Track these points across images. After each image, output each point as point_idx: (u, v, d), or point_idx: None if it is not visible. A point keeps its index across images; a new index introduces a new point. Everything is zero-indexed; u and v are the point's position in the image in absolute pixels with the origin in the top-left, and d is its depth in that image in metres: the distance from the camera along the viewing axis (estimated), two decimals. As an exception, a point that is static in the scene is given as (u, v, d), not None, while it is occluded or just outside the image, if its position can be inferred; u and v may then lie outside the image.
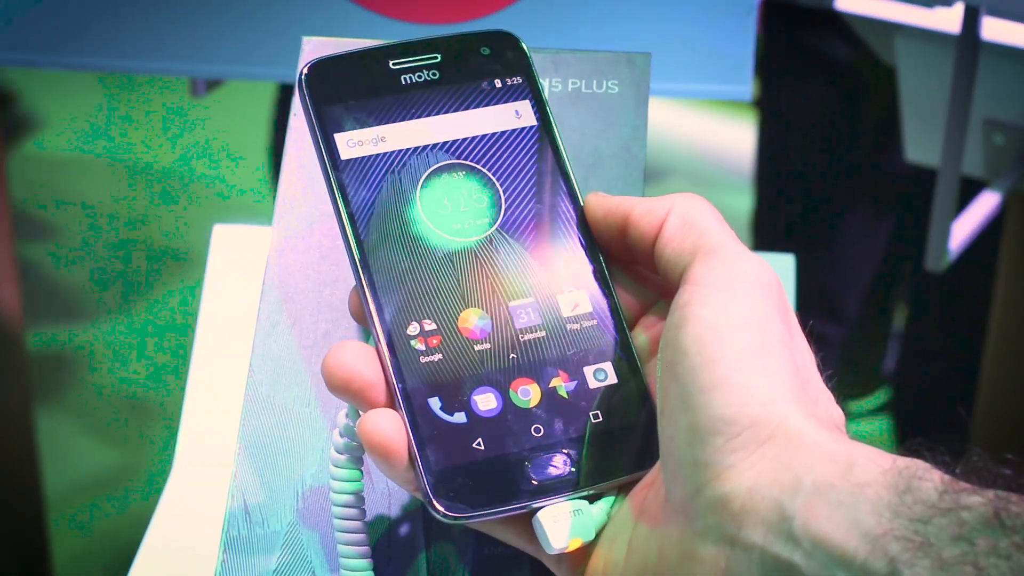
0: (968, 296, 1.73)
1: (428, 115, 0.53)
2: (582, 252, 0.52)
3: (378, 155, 0.52)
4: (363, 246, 0.50)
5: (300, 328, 0.59)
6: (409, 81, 0.53)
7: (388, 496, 0.56)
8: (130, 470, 1.97)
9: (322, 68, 0.53)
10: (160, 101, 2.77)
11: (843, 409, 0.48)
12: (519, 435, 0.49)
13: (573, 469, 0.49)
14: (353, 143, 0.52)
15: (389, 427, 0.47)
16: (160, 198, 2.55)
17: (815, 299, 1.91)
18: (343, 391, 0.49)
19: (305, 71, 0.52)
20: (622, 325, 0.51)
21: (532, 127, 0.54)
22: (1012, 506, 0.39)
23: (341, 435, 0.51)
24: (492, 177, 0.52)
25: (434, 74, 0.53)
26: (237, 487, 0.56)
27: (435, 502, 0.47)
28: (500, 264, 0.51)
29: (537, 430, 0.49)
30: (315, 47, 0.64)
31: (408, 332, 0.49)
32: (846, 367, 1.97)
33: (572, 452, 0.49)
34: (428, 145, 0.52)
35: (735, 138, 2.63)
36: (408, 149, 0.52)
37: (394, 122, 0.52)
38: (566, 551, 0.47)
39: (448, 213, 0.52)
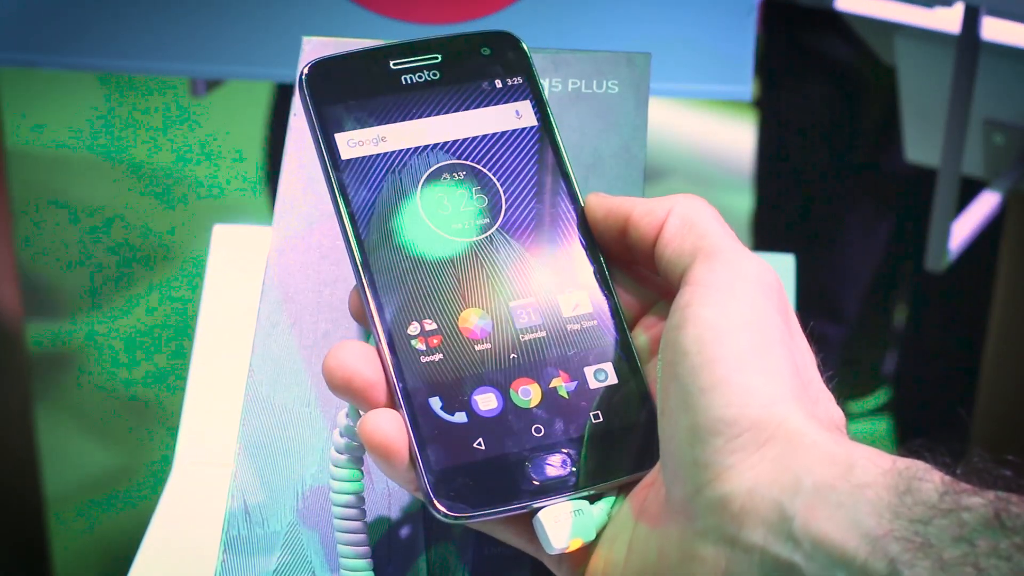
0: (968, 296, 1.73)
1: (428, 115, 0.53)
2: (582, 252, 0.52)
3: (378, 155, 0.52)
4: (363, 246, 0.50)
5: (300, 328, 0.59)
6: (409, 81, 0.53)
7: (388, 496, 0.56)
8: (130, 470, 1.97)
9: (322, 68, 0.53)
10: (160, 101, 2.77)
11: (843, 409, 0.48)
12: (520, 435, 0.49)
13: (573, 469, 0.49)
14: (353, 143, 0.52)
15: (390, 427, 0.48)
16: (160, 198, 2.55)
17: (815, 299, 1.91)
18: (344, 391, 0.49)
19: (305, 71, 0.52)
20: (622, 325, 0.51)
21: (532, 127, 0.54)
22: (1012, 507, 0.39)
23: (341, 435, 0.51)
24: (492, 177, 0.53)
25: (435, 74, 0.53)
26: (237, 487, 0.56)
27: (436, 502, 0.47)
28: (500, 264, 0.51)
29: (538, 430, 0.49)
30: (315, 47, 0.64)
31: (409, 332, 0.49)
32: (846, 367, 1.97)
33: (572, 452, 0.49)
34: (428, 145, 0.52)
35: (735, 138, 2.63)
36: (408, 149, 0.52)
37: (394, 122, 0.52)
38: (566, 551, 0.47)
39: (448, 213, 0.52)
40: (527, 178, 0.53)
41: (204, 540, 0.67)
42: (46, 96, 2.74)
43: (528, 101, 0.54)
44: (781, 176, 1.98)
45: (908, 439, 1.84)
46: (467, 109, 0.53)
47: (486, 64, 0.54)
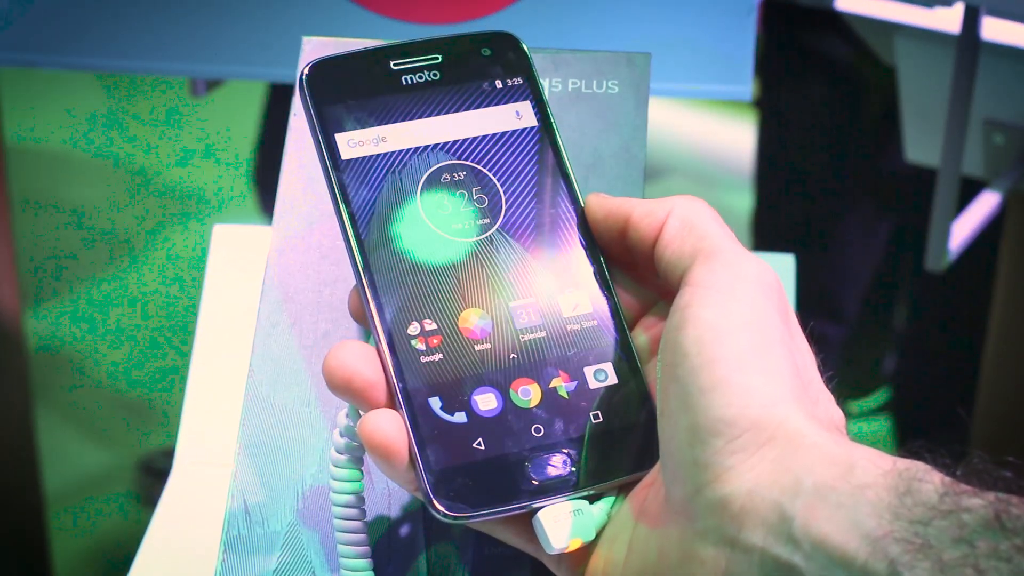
0: (968, 296, 1.73)
1: (429, 115, 0.53)
2: (582, 253, 0.52)
3: (379, 155, 0.52)
4: (364, 246, 0.50)
5: (300, 328, 0.59)
6: (410, 81, 0.53)
7: (388, 496, 0.56)
8: (130, 470, 1.97)
9: (323, 68, 0.53)
10: (160, 101, 2.77)
11: (843, 409, 0.48)
12: (519, 435, 0.49)
13: (573, 469, 0.49)
14: (354, 143, 0.52)
15: (390, 427, 0.47)
16: (160, 198, 2.55)
17: (815, 299, 1.91)
18: (344, 391, 0.49)
19: (306, 71, 0.52)
20: (622, 326, 0.51)
21: (533, 128, 0.54)
22: (1012, 508, 0.39)
23: (341, 435, 0.51)
24: (492, 178, 0.53)
25: (435, 75, 0.53)
26: (237, 487, 0.56)
27: (435, 502, 0.47)
28: (501, 264, 0.51)
29: (537, 430, 0.49)
30: (315, 47, 0.64)
31: (409, 332, 0.49)
32: (846, 367, 1.97)
33: (572, 452, 0.49)
34: (429, 145, 0.52)
35: (735, 138, 2.63)
36: (409, 149, 0.52)
37: (395, 122, 0.52)
38: (566, 551, 0.47)
39: (449, 213, 0.52)
40: (527, 178, 0.53)
41: (204, 540, 0.67)
42: (46, 96, 2.74)
43: (528, 101, 0.54)
44: (781, 176, 1.98)
45: (908, 439, 1.84)
46: (467, 109, 0.53)
47: (486, 64, 0.54)
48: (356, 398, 0.49)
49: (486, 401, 0.49)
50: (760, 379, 0.44)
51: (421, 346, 0.49)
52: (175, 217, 2.49)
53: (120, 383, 2.13)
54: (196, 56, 1.10)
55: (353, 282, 0.51)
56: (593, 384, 0.50)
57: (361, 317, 0.51)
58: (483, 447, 0.48)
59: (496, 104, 0.53)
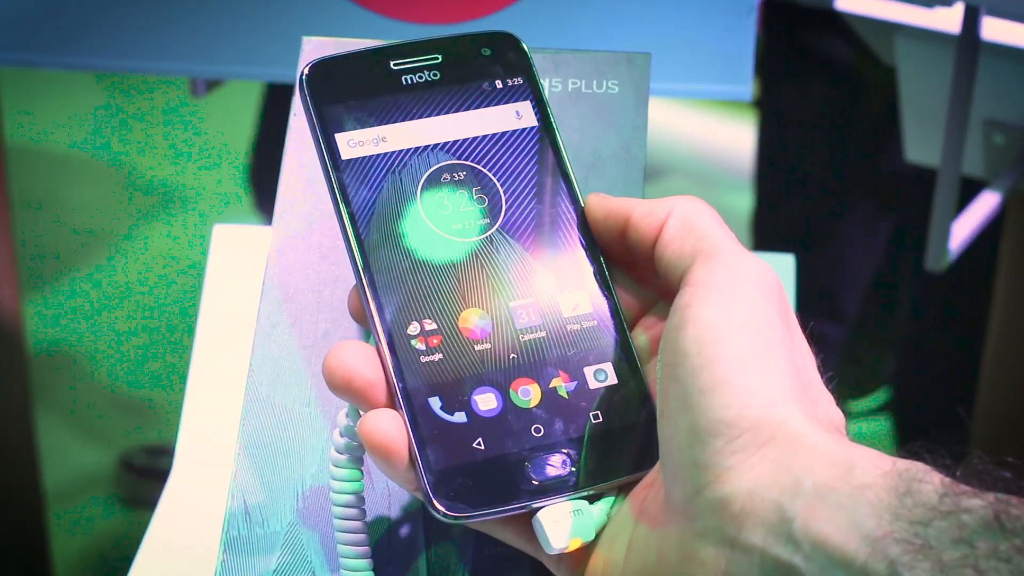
0: (968, 296, 1.73)
1: (429, 115, 0.53)
2: (582, 253, 0.52)
3: (379, 155, 0.52)
4: (364, 246, 0.50)
5: (300, 328, 0.59)
6: (410, 81, 0.53)
7: (388, 496, 0.56)
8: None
9: (323, 68, 0.53)
10: (160, 101, 2.77)
11: (843, 409, 0.48)
12: (519, 435, 0.49)
13: (573, 469, 0.49)
14: (354, 143, 0.52)
15: (390, 427, 0.48)
16: (160, 198, 2.55)
17: (815, 299, 1.91)
18: (344, 391, 0.49)
19: (306, 71, 0.52)
20: (622, 326, 0.51)
21: (533, 128, 0.54)
22: (1012, 509, 0.39)
23: (341, 435, 0.51)
24: (493, 178, 0.53)
25: (435, 75, 0.53)
26: (237, 487, 0.56)
27: (435, 502, 0.47)
28: (501, 264, 0.51)
29: (537, 430, 0.49)
30: (315, 47, 0.64)
31: (408, 332, 0.49)
32: (846, 367, 1.97)
33: (572, 452, 0.49)
34: (429, 145, 0.52)
35: (735, 138, 2.63)
36: (409, 149, 0.52)
37: (395, 122, 0.52)
38: (566, 551, 0.47)
39: (449, 213, 0.52)
40: (527, 178, 0.53)
41: (204, 540, 0.67)
42: (46, 96, 2.74)
43: (528, 101, 0.54)
44: (781, 176, 1.98)
45: (908, 439, 1.84)
46: (467, 109, 0.53)
47: (486, 64, 0.54)
48: (356, 398, 0.49)
49: (486, 401, 0.49)
50: (760, 380, 0.44)
51: (421, 346, 0.49)
52: (175, 217, 2.49)
53: (120, 383, 2.13)
54: (196, 56, 1.10)
55: (353, 282, 0.51)
56: (593, 384, 0.50)
57: (361, 317, 0.51)
58: (483, 447, 0.48)
59: (496, 104, 0.53)
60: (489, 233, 0.52)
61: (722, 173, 2.65)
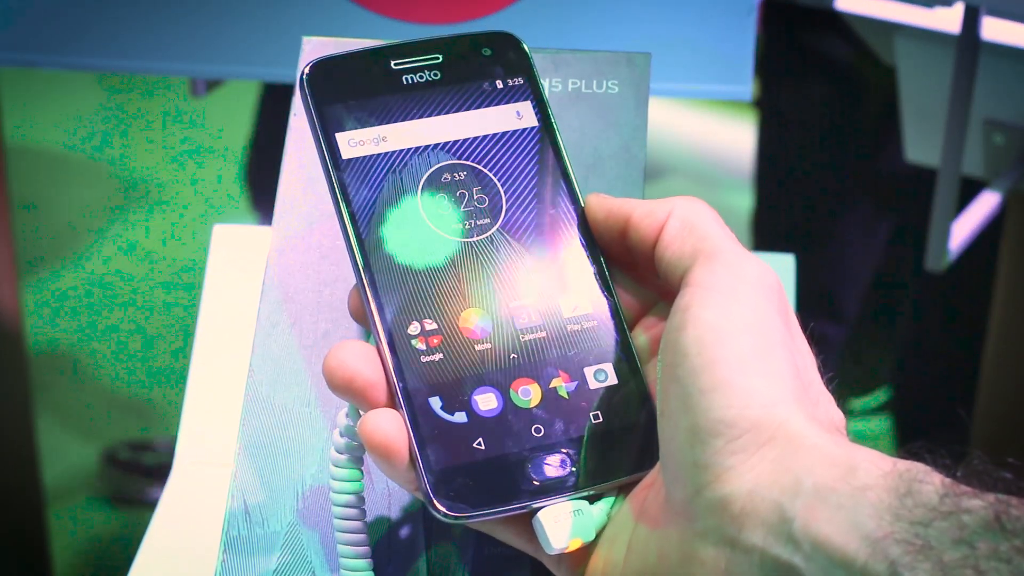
0: (968, 296, 1.73)
1: (429, 115, 0.53)
2: (583, 253, 0.52)
3: (379, 155, 0.52)
4: (364, 246, 0.50)
5: (300, 328, 0.59)
6: (410, 81, 0.53)
7: (388, 496, 0.56)
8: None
9: (323, 68, 0.53)
10: (160, 101, 2.77)
11: (844, 408, 0.48)
12: (519, 435, 0.49)
13: (573, 469, 0.49)
14: (354, 143, 0.52)
15: (390, 427, 0.47)
16: (160, 198, 2.55)
17: (815, 299, 1.91)
18: (344, 391, 0.49)
19: (306, 71, 0.52)
20: (622, 326, 0.51)
21: (533, 128, 0.54)
22: (1012, 509, 0.39)
23: (341, 435, 0.51)
24: (493, 178, 0.53)
25: (435, 74, 0.53)
26: (237, 487, 0.56)
27: (435, 502, 0.47)
28: (501, 264, 0.51)
29: (537, 430, 0.49)
30: (315, 47, 0.64)
31: (409, 332, 0.49)
32: (846, 367, 1.97)
33: (572, 452, 0.49)
34: (429, 145, 0.52)
35: (735, 138, 2.63)
36: (409, 149, 0.52)
37: (395, 122, 0.52)
38: (566, 551, 0.47)
39: (449, 213, 0.52)
40: (527, 178, 0.53)
41: (204, 540, 0.67)
42: (46, 96, 2.74)
43: (529, 102, 0.54)
44: (781, 176, 1.98)
45: (908, 439, 1.84)
46: (468, 109, 0.53)
47: (487, 64, 0.54)
48: (356, 398, 0.49)
49: (486, 401, 0.49)
50: (761, 380, 0.44)
51: (421, 346, 0.49)
52: (175, 217, 2.49)
53: (120, 383, 2.13)
54: (196, 56, 1.10)
55: (353, 282, 0.51)
56: (593, 384, 0.50)
57: (361, 317, 0.51)
58: (483, 447, 0.48)
59: (496, 104, 0.53)
60: (489, 233, 0.52)
61: (722, 173, 2.65)
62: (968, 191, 1.33)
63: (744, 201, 2.17)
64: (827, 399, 0.47)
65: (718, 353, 0.44)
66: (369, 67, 0.53)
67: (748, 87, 1.06)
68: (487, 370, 0.49)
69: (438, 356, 0.49)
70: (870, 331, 2.02)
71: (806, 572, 0.40)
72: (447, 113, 0.53)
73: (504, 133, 0.53)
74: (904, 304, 1.98)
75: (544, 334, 0.51)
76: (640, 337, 0.52)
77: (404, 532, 0.55)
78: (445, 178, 0.52)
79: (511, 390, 0.49)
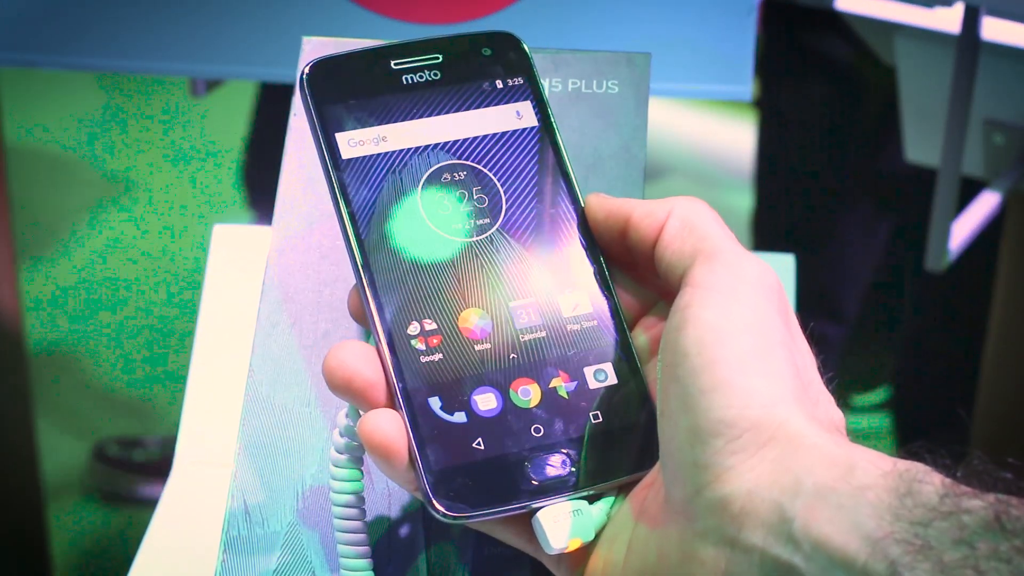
0: (968, 296, 1.73)
1: (429, 115, 0.53)
2: (583, 253, 0.52)
3: (379, 155, 0.52)
4: (364, 246, 0.50)
5: (300, 328, 0.59)
6: (410, 81, 0.53)
7: (388, 496, 0.56)
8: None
9: (323, 68, 0.53)
10: (160, 101, 2.77)
11: (845, 405, 0.48)
12: (519, 435, 0.49)
13: (573, 469, 0.49)
14: (354, 143, 0.52)
15: (389, 427, 0.48)
16: (160, 198, 2.55)
17: (815, 299, 1.91)
18: (344, 391, 0.49)
19: (306, 71, 0.52)
20: (622, 326, 0.51)
21: (533, 128, 0.54)
22: (1012, 510, 0.39)
23: (341, 435, 0.51)
24: (493, 177, 0.52)
25: (435, 74, 0.53)
26: (237, 487, 0.56)
27: (435, 502, 0.47)
28: (501, 264, 0.51)
29: (537, 430, 0.49)
30: (315, 47, 0.64)
31: (408, 332, 0.49)
32: (846, 367, 1.97)
33: (572, 452, 0.49)
34: (429, 145, 0.52)
35: (735, 138, 2.63)
36: (409, 149, 0.52)
37: (395, 122, 0.52)
38: (566, 551, 0.47)
39: (449, 213, 0.52)
40: (527, 178, 0.53)
41: (204, 540, 0.67)
42: (46, 96, 2.74)
43: (529, 102, 0.54)
44: (781, 176, 1.98)
45: (908, 439, 1.84)
46: (468, 109, 0.53)
47: (487, 64, 0.54)
48: (356, 398, 0.49)
49: (486, 401, 0.49)
50: (761, 380, 0.44)
51: (421, 346, 0.49)
52: (175, 217, 2.49)
53: (120, 383, 2.13)
54: (196, 56, 1.10)
55: (353, 282, 0.51)
56: (593, 384, 0.50)
57: (361, 317, 0.51)
58: (483, 447, 0.48)
59: (496, 104, 0.53)
60: (489, 233, 0.52)
61: (722, 173, 2.65)
62: (968, 191, 1.33)
63: (744, 201, 2.17)
64: (827, 399, 0.47)
65: (718, 353, 0.44)
66: (369, 67, 0.53)
67: (748, 87, 1.06)
68: (487, 370, 0.49)
69: (438, 356, 0.49)
70: (870, 331, 2.02)
71: (806, 572, 0.40)
72: (447, 113, 0.53)
73: (504, 133, 0.53)
74: (904, 304, 1.98)
75: (544, 334, 0.51)
76: (640, 337, 0.52)
77: (404, 532, 0.55)
78: (445, 178, 0.52)
79: (511, 390, 0.49)
